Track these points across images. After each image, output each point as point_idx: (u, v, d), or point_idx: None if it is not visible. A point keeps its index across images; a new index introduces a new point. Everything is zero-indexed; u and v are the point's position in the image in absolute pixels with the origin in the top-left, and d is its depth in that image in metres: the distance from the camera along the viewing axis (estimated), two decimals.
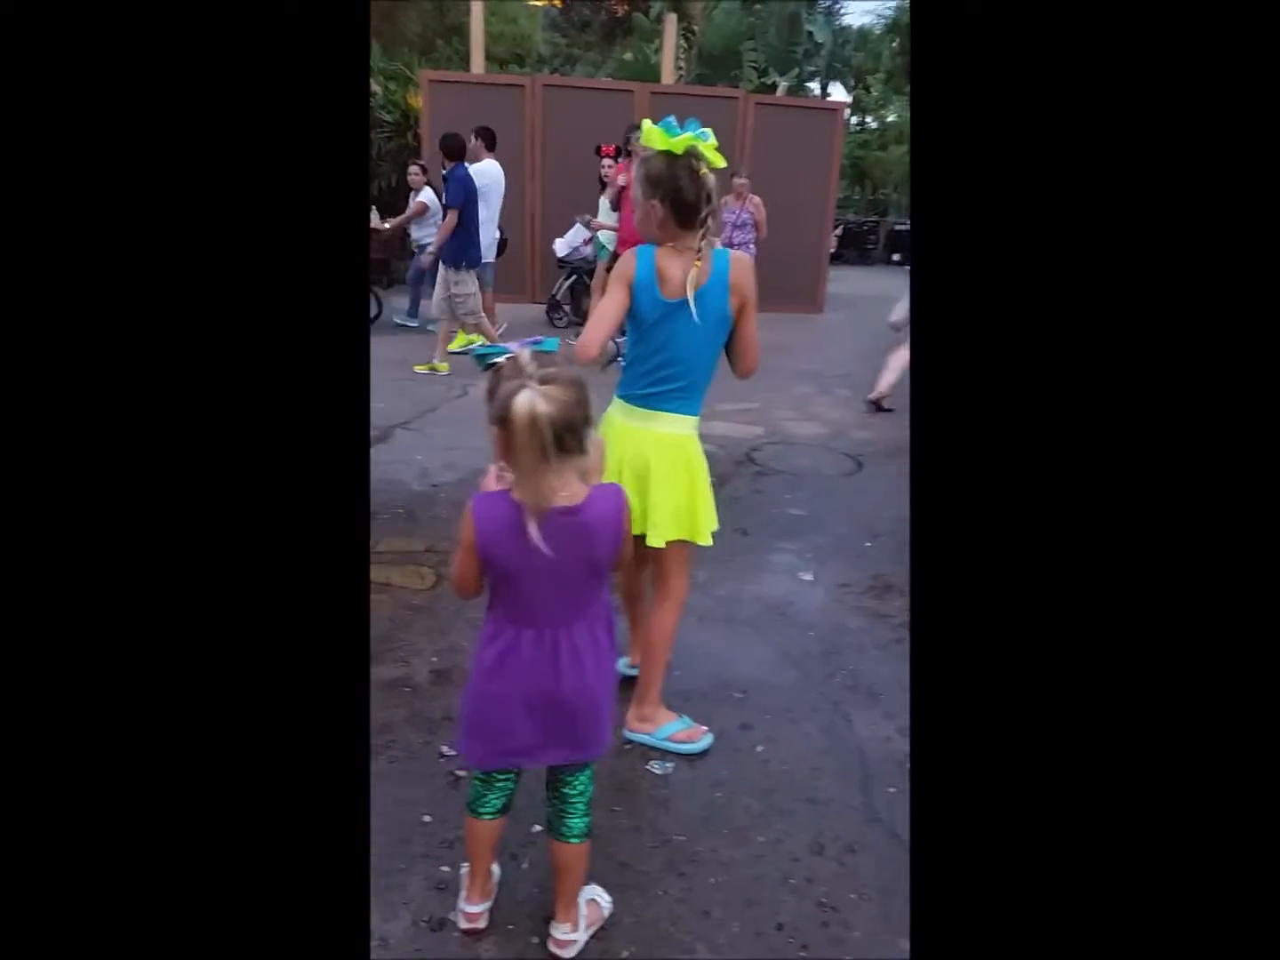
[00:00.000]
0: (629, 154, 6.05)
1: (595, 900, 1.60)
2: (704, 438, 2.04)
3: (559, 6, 17.94)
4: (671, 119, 1.80)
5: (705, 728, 2.12)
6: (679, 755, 2.06)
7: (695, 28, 13.85)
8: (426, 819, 1.82)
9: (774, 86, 13.67)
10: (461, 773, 1.93)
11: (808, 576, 3.09)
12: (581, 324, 7.25)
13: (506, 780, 1.51)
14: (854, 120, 19.35)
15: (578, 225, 7.51)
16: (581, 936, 1.53)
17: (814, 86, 17.45)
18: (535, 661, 1.36)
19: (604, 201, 6.71)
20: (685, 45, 13.49)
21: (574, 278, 7.69)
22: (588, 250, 7.50)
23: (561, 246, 7.63)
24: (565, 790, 1.49)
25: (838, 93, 18.35)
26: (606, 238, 6.62)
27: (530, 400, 1.17)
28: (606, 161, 6.65)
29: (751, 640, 2.64)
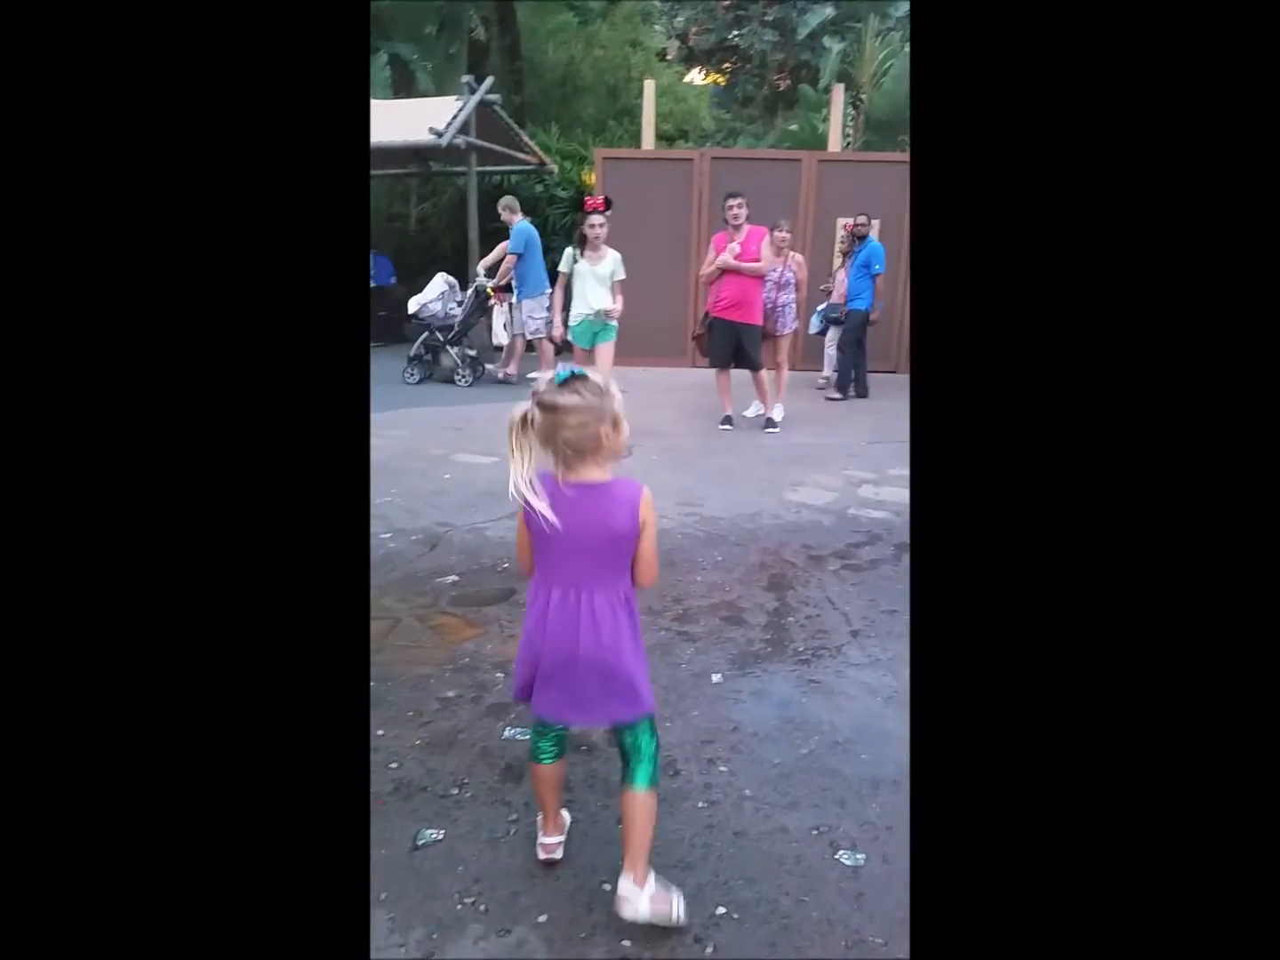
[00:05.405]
0: (724, 221, 6.09)
1: (671, 894, 1.63)
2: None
3: (723, 85, 18.61)
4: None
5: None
6: (870, 846, 1.92)
7: (863, 96, 13.90)
8: (606, 886, 1.77)
9: None
10: None
11: None
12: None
13: (560, 730, 1.74)
14: None
15: (437, 279, 8.04)
16: (644, 905, 1.58)
17: None
18: (560, 613, 1.56)
19: (570, 253, 5.73)
20: (854, 113, 13.55)
21: (425, 334, 8.03)
22: (436, 307, 7.86)
23: (412, 304, 7.99)
24: (625, 743, 1.65)
25: None
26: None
27: (516, 412, 1.52)
28: (596, 218, 5.56)
29: None
